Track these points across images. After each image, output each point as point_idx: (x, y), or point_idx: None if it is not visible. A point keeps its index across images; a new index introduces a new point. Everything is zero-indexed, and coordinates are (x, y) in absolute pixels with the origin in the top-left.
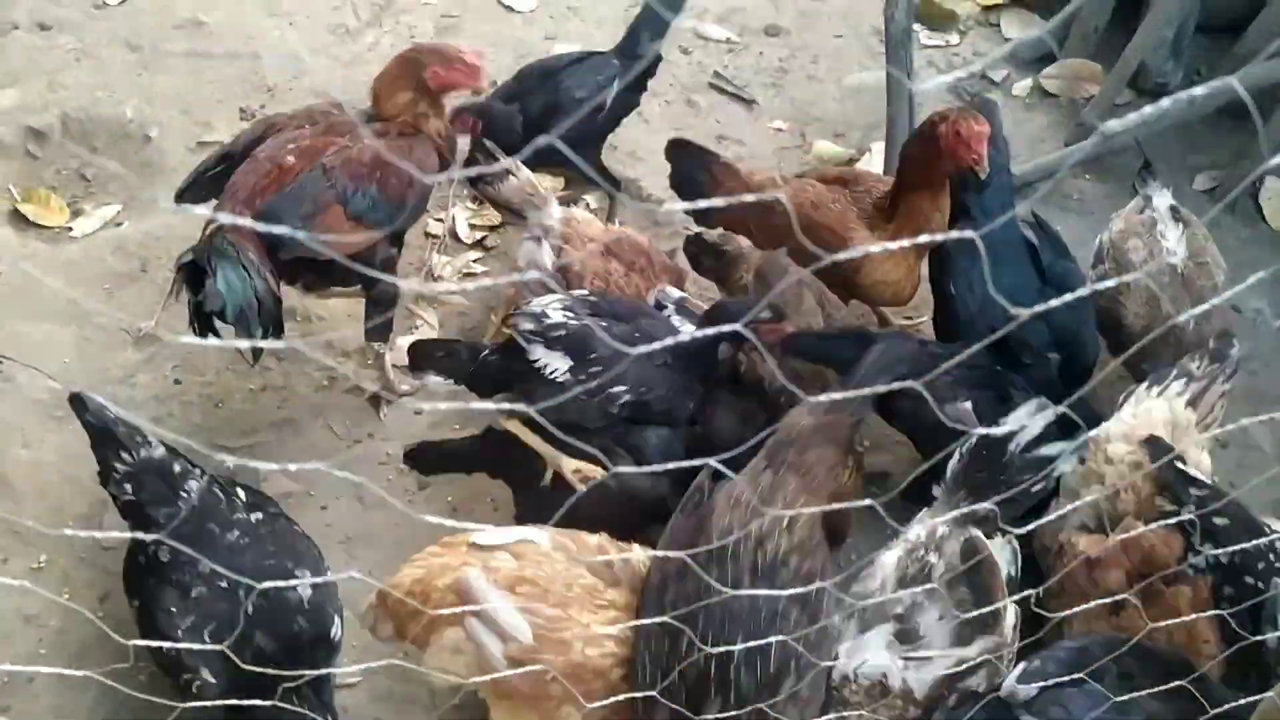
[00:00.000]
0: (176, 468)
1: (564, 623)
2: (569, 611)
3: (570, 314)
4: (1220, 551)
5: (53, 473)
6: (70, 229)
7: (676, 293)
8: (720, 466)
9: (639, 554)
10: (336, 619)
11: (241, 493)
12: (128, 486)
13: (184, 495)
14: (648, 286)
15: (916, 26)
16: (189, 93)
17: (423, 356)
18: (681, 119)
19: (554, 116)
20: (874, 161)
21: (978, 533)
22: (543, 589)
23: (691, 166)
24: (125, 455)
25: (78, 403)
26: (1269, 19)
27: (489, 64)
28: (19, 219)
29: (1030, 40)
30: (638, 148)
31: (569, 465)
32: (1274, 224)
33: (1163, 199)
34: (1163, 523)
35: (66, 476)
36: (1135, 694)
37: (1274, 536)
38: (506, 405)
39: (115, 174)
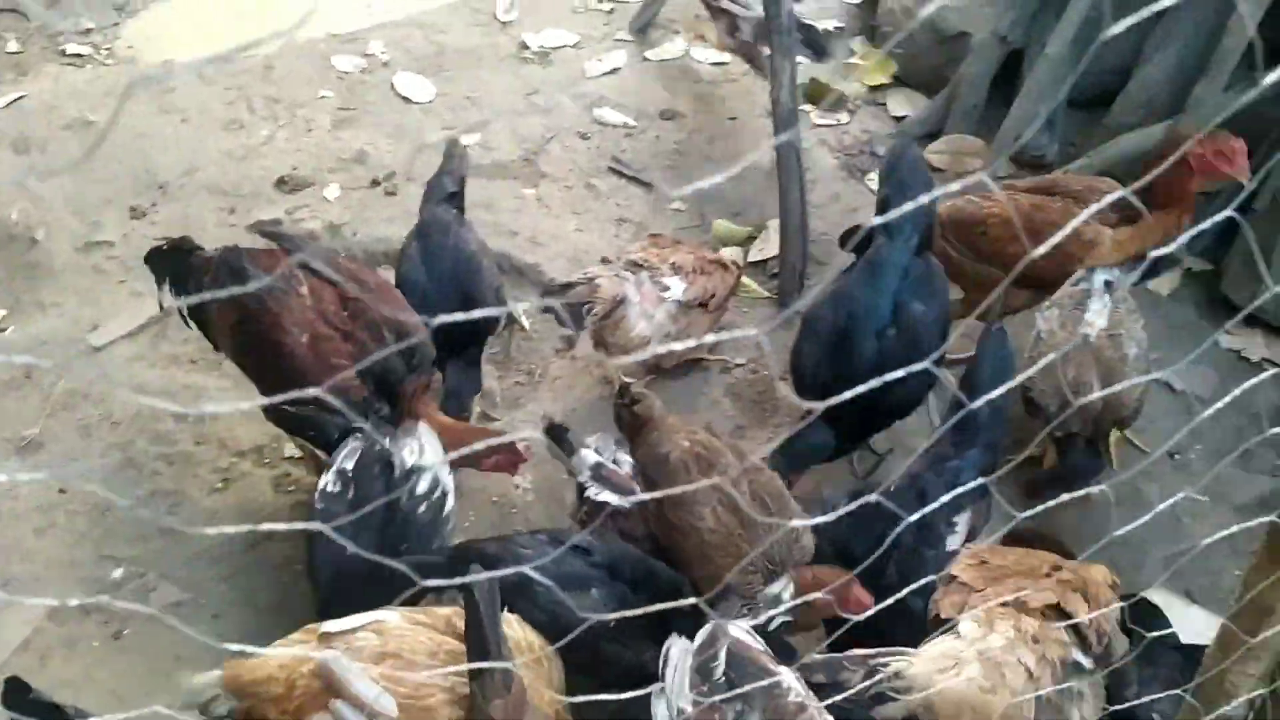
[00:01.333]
0: None
1: (428, 689)
2: (439, 680)
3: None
4: None
5: None
6: None
7: (593, 459)
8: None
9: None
10: None
11: None
12: None
13: None
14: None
15: (807, 106)
16: (78, 193)
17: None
18: (582, 203)
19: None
20: (771, 238)
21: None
22: (407, 660)
23: None
24: None
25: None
26: (1133, 93)
27: (387, 154)
28: None
29: (916, 118)
30: (538, 233)
31: None
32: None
33: (1101, 273)
34: None
35: None
36: None
37: None
38: None
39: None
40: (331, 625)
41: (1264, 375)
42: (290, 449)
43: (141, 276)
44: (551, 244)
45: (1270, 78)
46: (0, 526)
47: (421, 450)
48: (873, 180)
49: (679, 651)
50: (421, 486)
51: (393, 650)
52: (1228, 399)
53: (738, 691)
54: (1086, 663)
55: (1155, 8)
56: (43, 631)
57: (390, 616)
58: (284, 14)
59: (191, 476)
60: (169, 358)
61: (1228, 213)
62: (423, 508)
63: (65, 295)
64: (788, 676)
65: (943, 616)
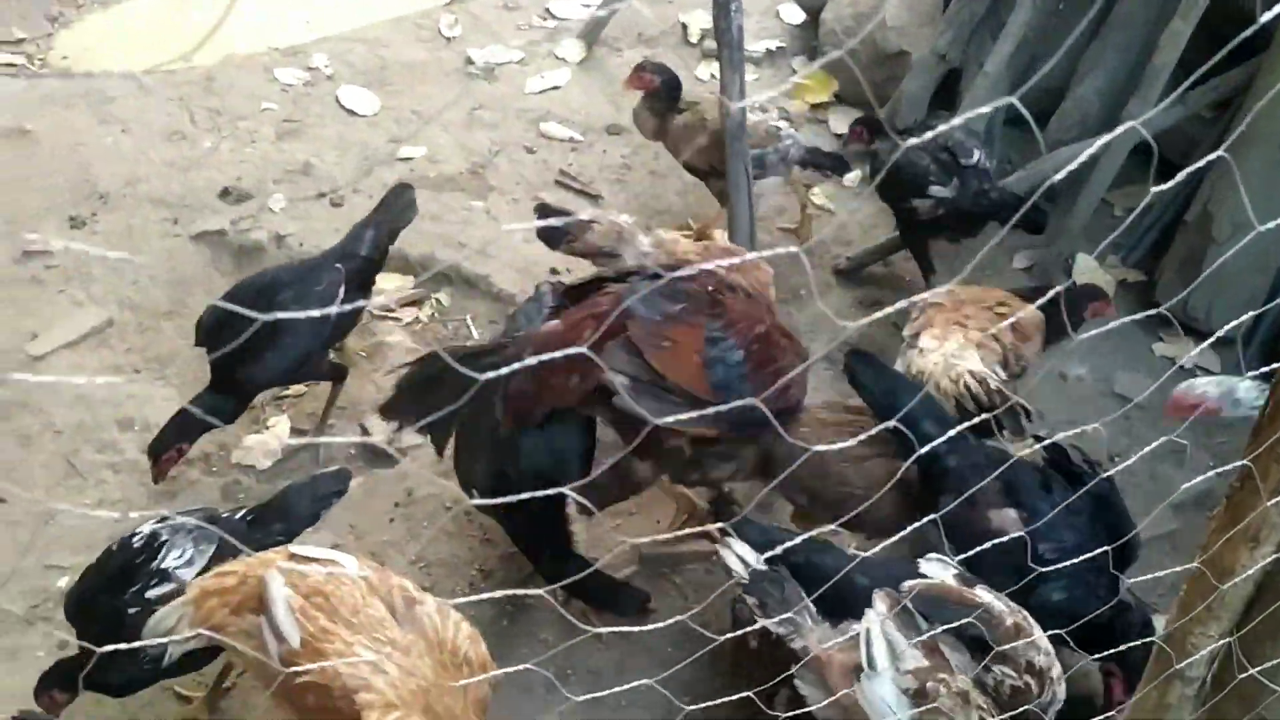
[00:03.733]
0: None
1: (331, 636)
2: (343, 631)
3: None
4: None
5: None
6: None
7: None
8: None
9: (430, 606)
10: None
11: None
12: None
13: None
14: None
15: None
16: (14, 203)
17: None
18: (529, 216)
19: (278, 337)
20: None
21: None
22: (333, 606)
23: None
24: None
25: None
26: (1068, 111)
27: (333, 166)
28: None
29: None
30: (487, 245)
31: None
32: None
33: None
34: None
35: None
36: None
37: None
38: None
39: None
40: (301, 548)
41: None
42: (238, 456)
43: (81, 286)
44: (500, 255)
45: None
46: None
47: (189, 563)
48: (816, 195)
49: (873, 624)
50: (155, 592)
51: (327, 591)
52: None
53: (949, 627)
54: (1001, 374)
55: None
56: None
57: (349, 563)
58: (218, 26)
59: (138, 486)
60: (111, 367)
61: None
62: (136, 610)
63: (1, 305)
64: (988, 598)
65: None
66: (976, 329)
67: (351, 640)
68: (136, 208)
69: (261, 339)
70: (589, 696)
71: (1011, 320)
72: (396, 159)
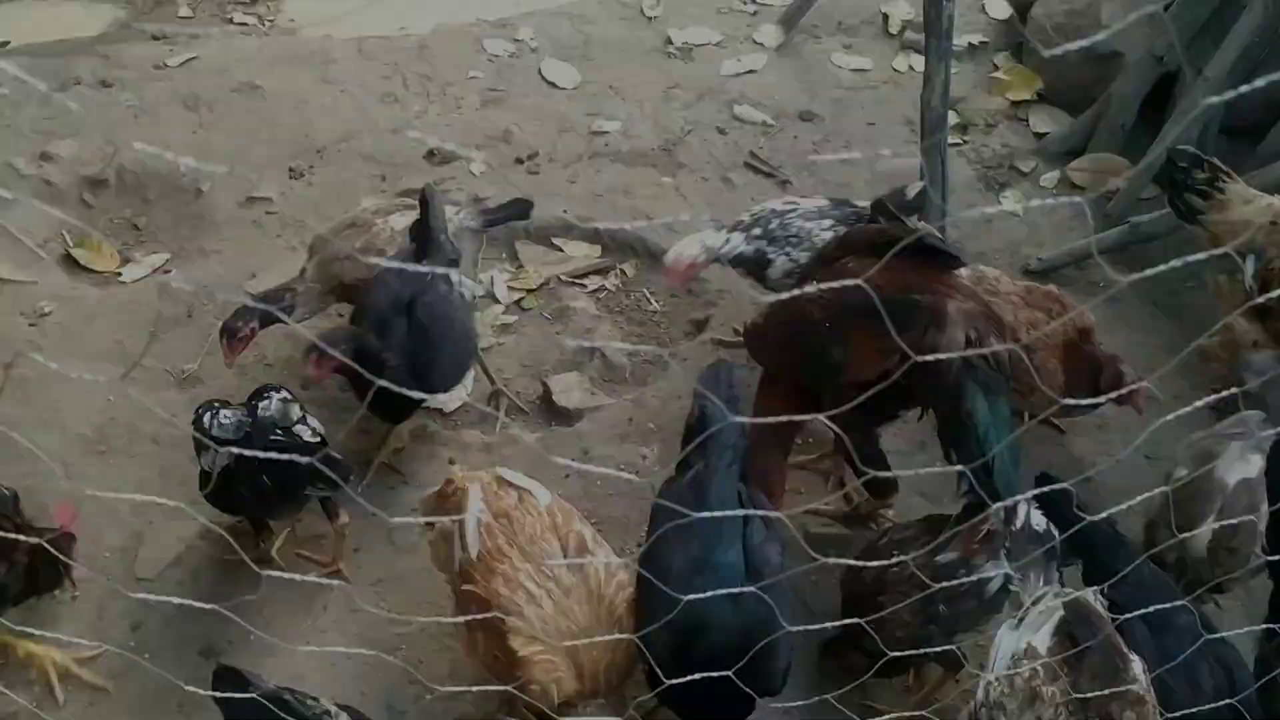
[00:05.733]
0: None
1: (500, 558)
2: (515, 556)
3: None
4: None
5: (91, 504)
6: (120, 274)
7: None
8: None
9: (600, 559)
10: None
11: None
12: None
13: None
14: (1064, 333)
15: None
16: (241, 152)
17: None
18: (717, 195)
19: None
20: None
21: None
22: (514, 531)
23: None
24: None
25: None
26: None
27: (531, 135)
28: (71, 263)
29: (1059, 134)
30: (674, 221)
31: None
32: None
33: None
34: None
35: (104, 508)
36: None
37: None
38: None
39: (166, 225)
40: (507, 473)
41: None
42: (430, 400)
43: (297, 232)
44: (686, 232)
45: None
46: (159, 451)
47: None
48: (1007, 197)
49: (1054, 595)
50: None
51: (515, 517)
52: None
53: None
54: None
55: None
56: (194, 549)
57: (543, 496)
58: None
59: (340, 423)
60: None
61: None
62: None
63: (226, 244)
64: (1137, 667)
65: None
66: None
67: (520, 567)
68: (349, 163)
69: (433, 350)
70: None
71: None
72: (592, 132)
